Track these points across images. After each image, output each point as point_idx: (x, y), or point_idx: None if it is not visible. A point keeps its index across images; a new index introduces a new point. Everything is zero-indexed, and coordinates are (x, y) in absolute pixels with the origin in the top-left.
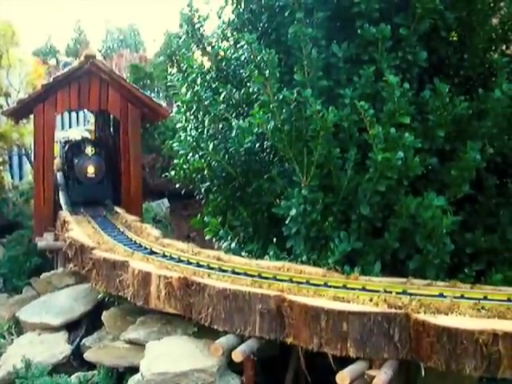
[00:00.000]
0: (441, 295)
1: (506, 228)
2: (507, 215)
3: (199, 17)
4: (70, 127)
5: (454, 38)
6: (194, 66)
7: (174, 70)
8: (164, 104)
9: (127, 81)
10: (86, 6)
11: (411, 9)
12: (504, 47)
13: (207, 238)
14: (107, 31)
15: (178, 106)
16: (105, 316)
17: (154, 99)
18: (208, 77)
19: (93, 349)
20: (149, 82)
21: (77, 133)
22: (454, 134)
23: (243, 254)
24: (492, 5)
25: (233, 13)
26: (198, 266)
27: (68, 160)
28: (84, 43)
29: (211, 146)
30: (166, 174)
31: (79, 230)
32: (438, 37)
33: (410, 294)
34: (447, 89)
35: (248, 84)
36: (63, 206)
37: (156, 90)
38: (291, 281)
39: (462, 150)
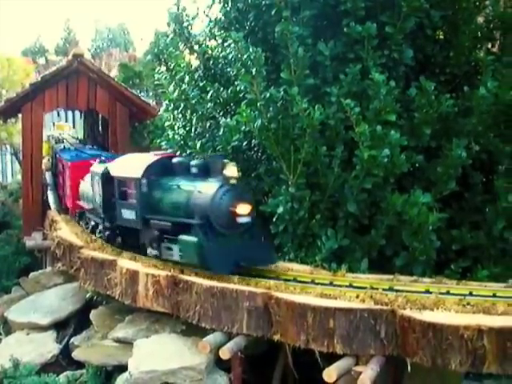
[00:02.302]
0: (427, 291)
1: (492, 225)
2: (493, 212)
3: (186, 15)
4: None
5: (440, 37)
6: (182, 65)
7: (163, 69)
8: (153, 103)
9: (116, 80)
10: (76, 5)
11: (397, 7)
12: (489, 45)
13: None
14: (97, 30)
15: (165, 104)
16: (93, 315)
17: (143, 98)
18: (195, 75)
19: (81, 348)
20: (138, 81)
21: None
22: (440, 132)
23: None
24: (477, 3)
25: (220, 11)
26: None
27: (144, 194)
28: (73, 42)
29: (199, 145)
30: None
31: (67, 229)
32: (423, 35)
33: (396, 291)
34: (433, 86)
35: (235, 82)
36: (51, 206)
37: (145, 88)
38: (278, 278)
39: (447, 147)
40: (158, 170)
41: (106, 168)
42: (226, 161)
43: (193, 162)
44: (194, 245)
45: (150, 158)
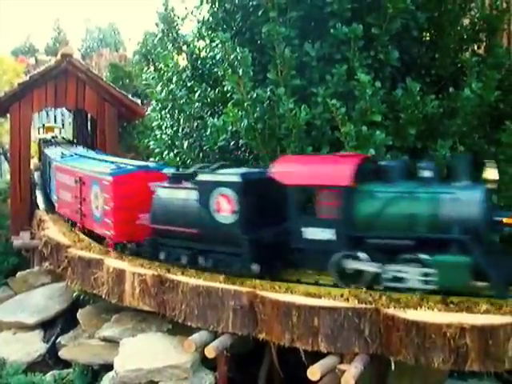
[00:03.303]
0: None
1: None
2: None
3: (174, 15)
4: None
5: (426, 38)
6: (170, 65)
7: (151, 69)
8: (144, 102)
9: (104, 80)
10: (66, 4)
11: (383, 9)
12: (475, 47)
13: None
14: (87, 30)
15: (153, 104)
16: (80, 314)
17: (132, 98)
18: (183, 75)
19: (68, 347)
20: (128, 81)
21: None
22: (425, 132)
23: None
24: (463, 5)
25: (208, 12)
26: None
27: (351, 206)
28: (63, 42)
29: (186, 144)
30: None
31: (55, 228)
32: (409, 36)
33: (380, 290)
34: (418, 88)
35: (223, 83)
36: (40, 205)
37: (136, 89)
38: (264, 278)
39: (432, 147)
40: (361, 175)
41: (260, 173)
42: (487, 161)
43: (423, 164)
44: (466, 266)
45: (345, 160)
